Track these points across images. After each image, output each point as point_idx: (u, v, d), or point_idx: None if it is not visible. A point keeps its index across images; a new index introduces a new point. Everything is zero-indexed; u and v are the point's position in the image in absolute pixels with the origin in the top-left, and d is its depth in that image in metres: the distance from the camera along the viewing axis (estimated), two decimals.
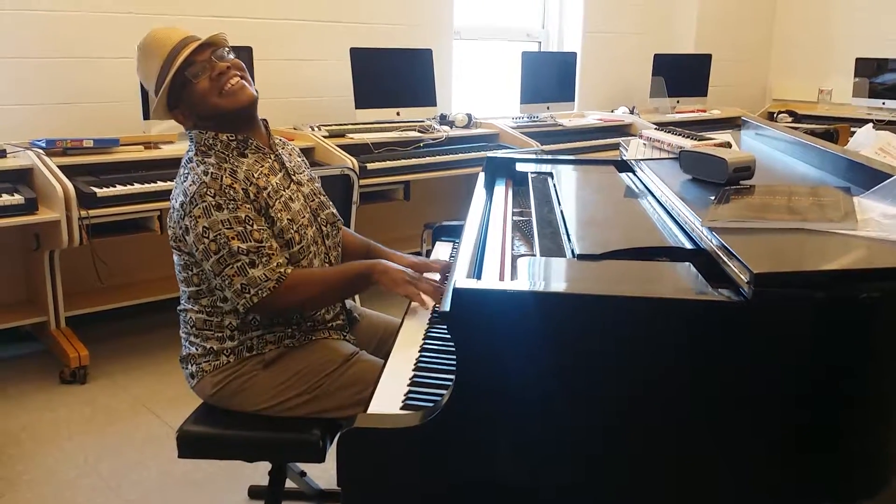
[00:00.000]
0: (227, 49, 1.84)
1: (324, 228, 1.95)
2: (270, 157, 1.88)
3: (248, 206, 1.74)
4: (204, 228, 1.70)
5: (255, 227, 1.73)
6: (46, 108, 3.47)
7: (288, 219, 1.81)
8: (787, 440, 1.19)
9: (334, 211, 2.01)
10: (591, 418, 1.20)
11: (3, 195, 2.88)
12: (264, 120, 1.92)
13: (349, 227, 2.09)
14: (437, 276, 1.92)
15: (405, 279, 1.77)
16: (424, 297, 1.76)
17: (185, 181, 1.77)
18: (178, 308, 1.90)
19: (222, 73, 1.78)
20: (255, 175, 1.80)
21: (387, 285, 1.78)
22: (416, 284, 1.77)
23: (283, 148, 1.97)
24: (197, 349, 1.85)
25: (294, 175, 1.92)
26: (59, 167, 3.04)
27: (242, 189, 1.75)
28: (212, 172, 1.74)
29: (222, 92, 1.78)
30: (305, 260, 1.84)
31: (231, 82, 1.79)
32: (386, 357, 1.59)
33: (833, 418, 1.19)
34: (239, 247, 1.70)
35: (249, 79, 1.85)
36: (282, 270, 1.73)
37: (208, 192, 1.71)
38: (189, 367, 1.87)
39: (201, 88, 1.78)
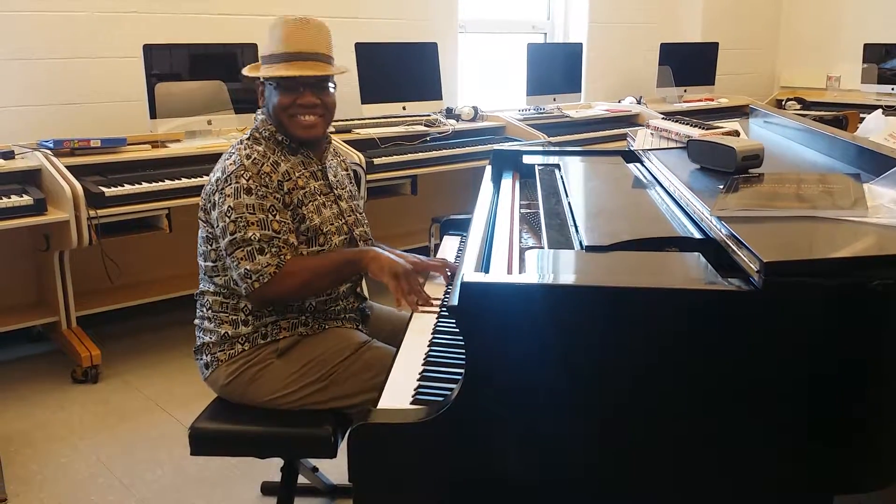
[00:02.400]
0: (333, 85, 1.90)
1: (358, 244, 1.98)
2: (316, 165, 1.94)
3: (277, 196, 1.79)
4: (229, 208, 1.76)
5: (276, 217, 1.78)
6: (53, 108, 3.48)
7: (318, 220, 1.87)
8: (798, 430, 1.18)
9: (368, 231, 2.05)
10: (601, 411, 1.20)
11: (12, 196, 2.89)
12: (329, 136, 1.99)
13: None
14: (439, 277, 1.92)
15: (393, 269, 1.78)
16: (403, 298, 1.76)
17: (227, 159, 1.83)
18: (195, 293, 1.94)
19: (305, 106, 1.84)
20: (296, 174, 1.87)
21: (373, 272, 1.81)
22: (400, 281, 1.76)
23: (334, 158, 2.03)
24: (212, 337, 1.86)
25: (335, 189, 1.97)
26: (68, 167, 3.05)
27: (278, 181, 1.81)
28: (254, 158, 1.81)
29: (293, 118, 1.84)
30: None
31: (305, 118, 1.85)
32: (396, 350, 1.59)
33: (846, 408, 1.18)
34: (254, 234, 1.75)
35: (330, 118, 1.91)
36: (283, 259, 1.76)
37: (244, 175, 1.77)
38: (203, 356, 1.88)
39: (282, 101, 1.84)
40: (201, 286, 1.92)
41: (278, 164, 1.84)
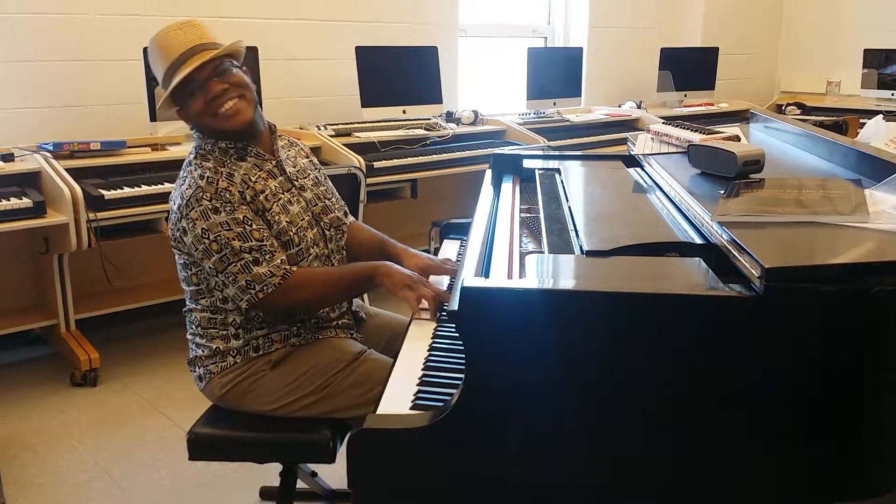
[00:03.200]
0: (231, 62, 1.83)
1: (327, 232, 1.94)
2: (271, 162, 1.88)
3: (244, 207, 1.75)
4: (203, 230, 1.71)
5: (254, 226, 1.74)
6: (53, 111, 3.47)
7: (286, 221, 1.82)
8: (797, 436, 1.18)
9: (340, 215, 2.00)
10: (602, 416, 1.19)
11: (12, 199, 2.88)
12: (272, 124, 1.92)
13: (350, 220, 2.08)
14: (446, 280, 1.90)
15: (405, 283, 1.75)
16: (424, 304, 1.72)
17: (182, 184, 1.78)
18: (184, 309, 1.91)
19: (217, 97, 1.77)
20: (253, 179, 1.81)
21: (388, 288, 1.77)
22: (416, 289, 1.74)
23: (290, 149, 1.97)
24: (203, 350, 1.85)
25: (296, 181, 1.92)
26: (67, 170, 3.04)
27: (239, 192, 1.76)
28: (207, 177, 1.75)
29: (216, 114, 1.78)
30: (305, 262, 1.84)
31: (225, 106, 1.78)
32: (395, 356, 1.58)
33: (845, 414, 1.18)
34: (241, 245, 1.71)
35: (251, 95, 1.82)
36: (286, 268, 1.74)
37: (204, 196, 1.72)
38: (197, 369, 1.87)
39: (196, 108, 1.79)
40: (188, 304, 1.89)
41: (232, 174, 1.78)
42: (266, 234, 1.76)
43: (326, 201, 1.98)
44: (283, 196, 1.85)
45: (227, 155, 1.82)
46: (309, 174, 1.99)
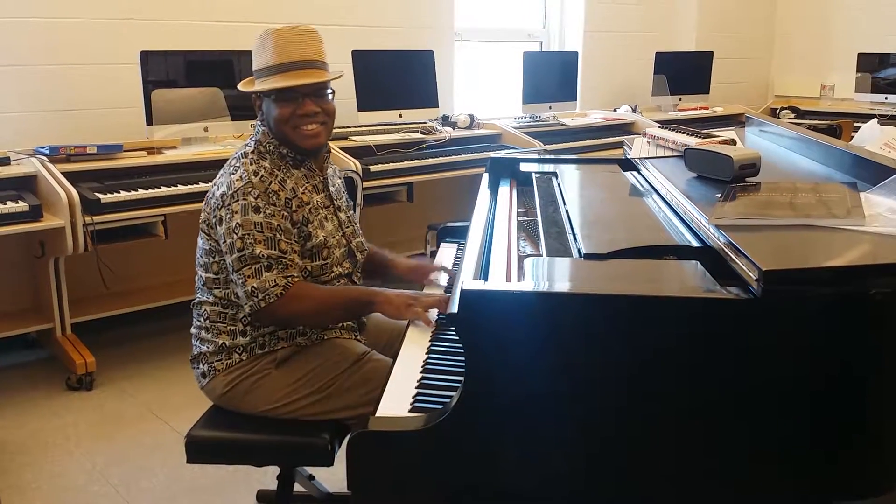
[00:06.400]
0: (331, 90, 1.88)
1: (356, 255, 1.98)
2: (319, 178, 1.93)
3: (284, 214, 1.78)
4: (237, 224, 1.74)
5: (283, 237, 1.76)
6: (49, 114, 3.47)
7: (323, 236, 1.86)
8: (795, 436, 1.19)
9: (363, 240, 2.05)
10: (600, 418, 1.20)
11: (8, 202, 2.88)
12: (328, 144, 1.97)
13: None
14: (442, 279, 1.92)
15: (408, 304, 1.76)
16: (432, 312, 1.74)
17: (233, 173, 1.80)
18: (192, 302, 1.92)
19: (306, 115, 1.82)
20: (301, 189, 1.85)
21: (391, 314, 1.79)
22: (419, 303, 1.76)
23: (330, 167, 2.02)
24: (208, 346, 1.86)
25: (335, 200, 1.97)
26: (63, 174, 3.04)
27: (286, 199, 1.80)
28: (262, 175, 1.79)
29: (297, 129, 1.83)
30: (326, 277, 1.88)
31: (308, 128, 1.83)
32: (394, 357, 1.58)
33: (842, 415, 1.18)
34: (262, 252, 1.73)
35: (332, 125, 1.90)
36: (289, 280, 1.75)
37: (252, 192, 1.75)
38: (200, 366, 1.87)
39: (282, 114, 1.82)
40: (198, 296, 1.90)
41: (285, 181, 1.82)
42: (292, 248, 1.78)
43: (354, 225, 2.03)
44: (322, 212, 1.89)
45: (284, 160, 1.86)
46: (343, 196, 2.04)
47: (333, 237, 1.90)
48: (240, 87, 1.92)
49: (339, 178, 2.09)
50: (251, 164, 1.80)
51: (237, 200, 1.75)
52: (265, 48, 1.84)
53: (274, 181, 1.79)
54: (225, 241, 1.76)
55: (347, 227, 1.99)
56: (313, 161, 1.92)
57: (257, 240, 1.73)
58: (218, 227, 1.78)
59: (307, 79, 1.81)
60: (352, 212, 2.06)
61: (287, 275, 1.74)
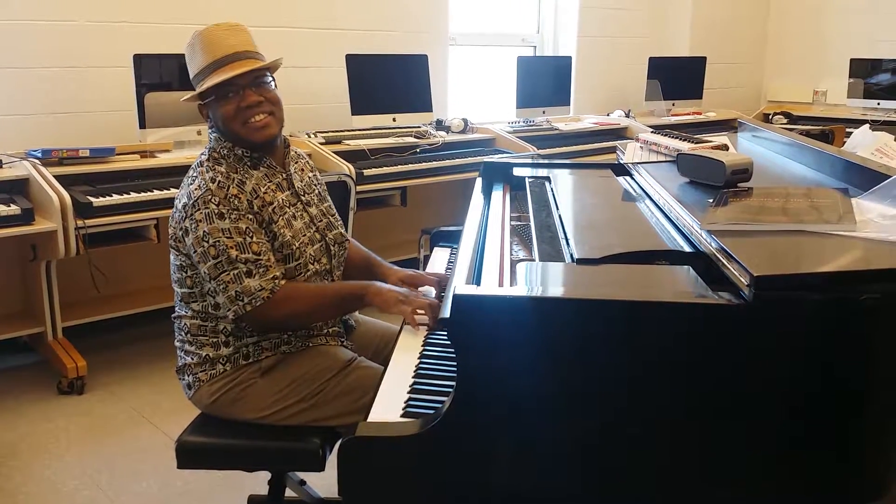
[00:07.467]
0: (271, 77, 1.85)
1: (332, 248, 1.95)
2: (281, 175, 1.89)
3: (250, 217, 1.76)
4: (204, 233, 1.72)
5: (254, 239, 1.74)
6: (42, 118, 3.46)
7: (290, 235, 1.83)
8: (786, 442, 1.19)
9: (342, 231, 2.02)
10: (593, 423, 1.20)
11: (0, 206, 2.87)
12: (286, 139, 1.94)
13: (348, 235, 2.08)
14: (432, 291, 1.91)
15: (398, 299, 1.75)
16: (419, 314, 1.72)
17: (191, 184, 1.78)
18: (173, 315, 1.90)
19: (250, 106, 1.79)
20: (263, 189, 1.82)
21: (381, 306, 1.77)
22: (409, 302, 1.74)
23: (296, 163, 1.98)
24: (192, 358, 1.84)
25: (303, 196, 1.93)
26: (56, 177, 3.03)
27: (247, 201, 1.77)
28: (219, 181, 1.76)
29: (245, 123, 1.80)
30: (302, 276, 1.85)
31: (256, 118, 1.80)
32: (385, 363, 1.58)
33: (833, 420, 1.18)
34: (238, 255, 1.71)
35: (280, 114, 1.86)
36: (276, 282, 1.74)
37: (212, 200, 1.73)
38: (185, 377, 1.86)
39: (226, 111, 1.80)
40: (177, 310, 1.88)
41: (244, 182, 1.79)
42: (265, 248, 1.76)
43: (330, 218, 1.99)
44: (288, 210, 1.86)
45: (241, 162, 1.83)
46: (314, 189, 2.00)
47: (304, 234, 1.87)
48: (182, 101, 1.88)
49: (313, 171, 2.05)
50: (207, 172, 1.78)
51: (199, 209, 1.72)
52: (195, 52, 1.82)
53: (232, 185, 1.76)
54: (195, 251, 1.73)
55: (321, 220, 1.95)
56: (272, 158, 1.88)
57: (228, 245, 1.71)
58: (185, 238, 1.75)
59: (242, 68, 1.77)
60: (327, 203, 2.02)
61: (270, 277, 1.73)
